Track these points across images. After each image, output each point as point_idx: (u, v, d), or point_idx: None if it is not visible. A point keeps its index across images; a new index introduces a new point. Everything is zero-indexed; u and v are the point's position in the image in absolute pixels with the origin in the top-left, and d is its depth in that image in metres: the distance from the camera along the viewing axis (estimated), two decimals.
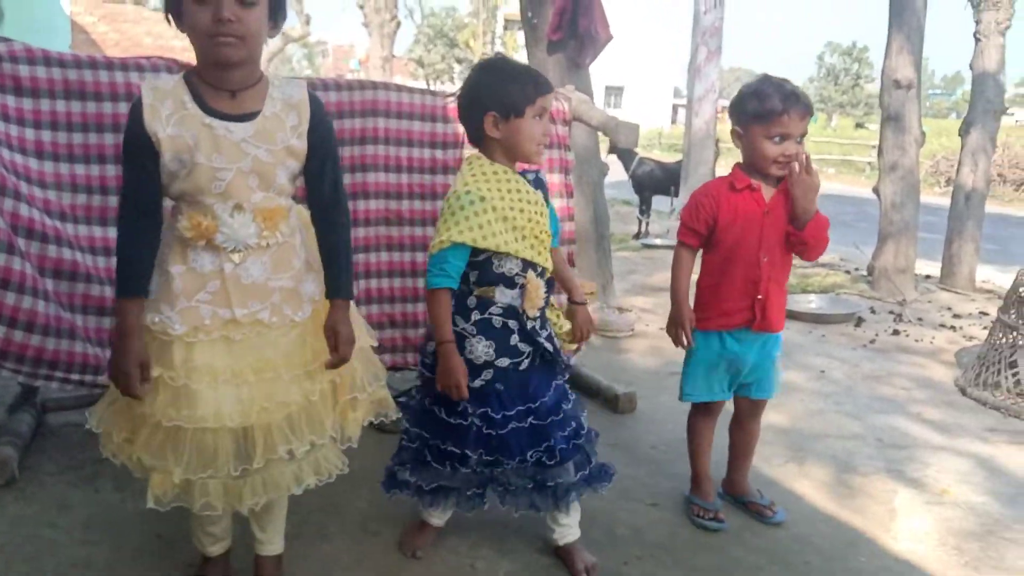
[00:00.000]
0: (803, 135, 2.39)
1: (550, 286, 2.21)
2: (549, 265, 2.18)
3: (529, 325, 2.13)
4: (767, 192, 2.45)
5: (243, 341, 1.76)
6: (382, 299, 3.14)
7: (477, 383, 2.09)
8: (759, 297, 2.45)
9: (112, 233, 2.58)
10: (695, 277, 2.57)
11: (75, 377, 2.55)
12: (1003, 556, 2.52)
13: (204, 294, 1.75)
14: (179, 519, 2.34)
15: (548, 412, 2.15)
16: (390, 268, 3.14)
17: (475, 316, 2.10)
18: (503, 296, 2.10)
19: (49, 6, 14.55)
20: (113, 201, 2.59)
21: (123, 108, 2.56)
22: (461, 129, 3.12)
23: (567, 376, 2.28)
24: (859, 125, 36.45)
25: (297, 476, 1.87)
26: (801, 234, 2.40)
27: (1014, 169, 18.15)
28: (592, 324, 2.33)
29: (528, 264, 2.11)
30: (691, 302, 2.55)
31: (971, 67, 6.54)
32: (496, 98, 2.06)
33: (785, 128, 2.34)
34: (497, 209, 2.04)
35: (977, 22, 6.46)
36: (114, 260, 2.20)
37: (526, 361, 2.13)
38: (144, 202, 1.74)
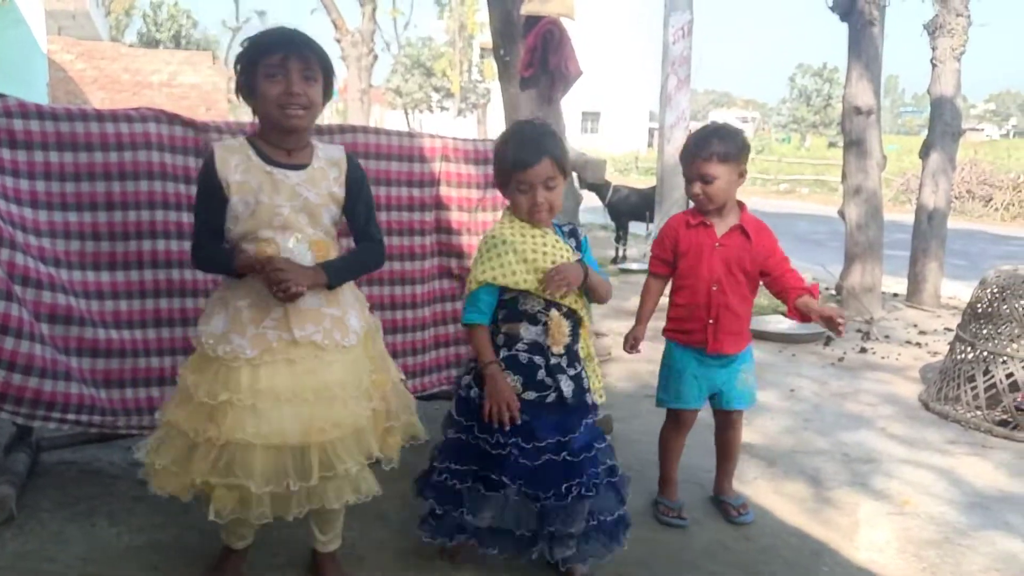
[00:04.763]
0: (710, 179, 2.63)
1: (576, 327, 2.33)
2: (577, 307, 2.31)
3: (554, 361, 2.27)
4: (721, 228, 2.72)
5: (302, 364, 2.03)
6: None
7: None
8: (710, 321, 2.70)
9: (104, 277, 2.74)
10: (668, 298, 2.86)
11: (71, 417, 2.65)
12: (959, 562, 2.67)
13: (269, 320, 2.03)
14: (174, 551, 2.46)
15: (580, 449, 2.27)
16: (370, 302, 3.23)
17: (503, 352, 2.27)
18: (528, 332, 2.27)
19: (27, 45, 14.65)
20: (105, 247, 2.71)
21: (113, 157, 2.69)
22: (437, 168, 3.30)
23: (595, 417, 2.38)
24: (832, 145, 36.94)
25: (338, 492, 2.09)
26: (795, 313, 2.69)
27: (982, 185, 18.56)
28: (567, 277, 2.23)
29: (551, 304, 2.26)
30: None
31: (929, 92, 6.79)
32: (493, 167, 2.36)
33: (694, 170, 2.67)
34: (518, 251, 2.23)
35: (933, 48, 6.72)
36: (107, 303, 2.53)
37: (553, 394, 2.26)
38: (213, 232, 2.08)
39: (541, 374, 2.26)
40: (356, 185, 2.18)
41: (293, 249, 2.05)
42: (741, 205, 2.75)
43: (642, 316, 2.83)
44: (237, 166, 2.03)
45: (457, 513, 2.29)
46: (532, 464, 2.21)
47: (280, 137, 2.07)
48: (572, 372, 2.30)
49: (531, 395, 2.25)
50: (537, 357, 2.26)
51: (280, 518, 2.05)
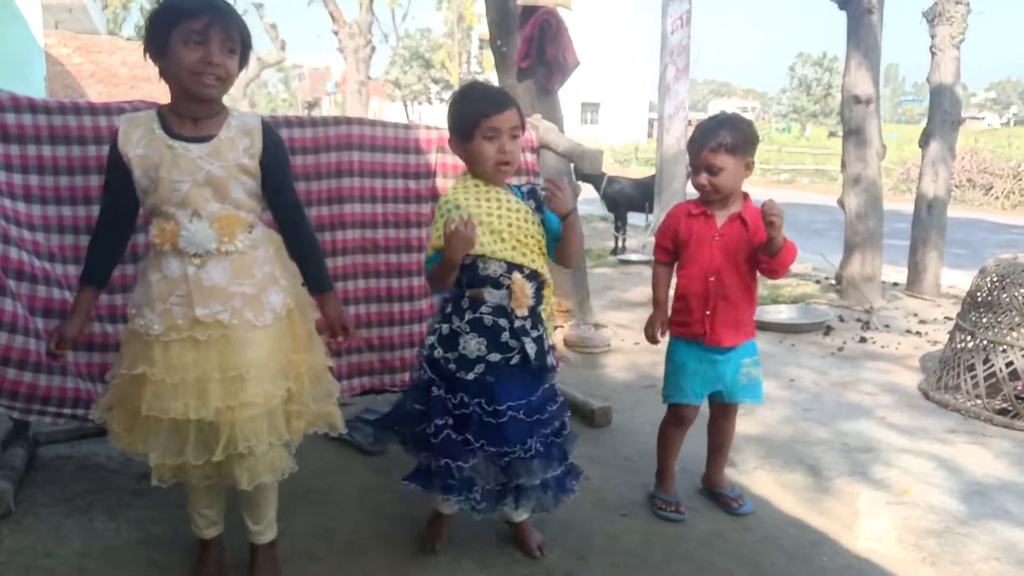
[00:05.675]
0: (716, 170, 2.60)
1: (539, 289, 2.33)
2: (538, 267, 2.30)
3: (518, 324, 2.27)
4: (721, 218, 2.70)
5: (209, 342, 1.98)
6: (359, 324, 3.25)
7: (471, 375, 2.24)
8: (707, 312, 2.69)
9: None
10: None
11: (67, 412, 2.64)
12: (958, 551, 2.66)
13: (175, 297, 1.98)
14: (172, 546, 2.45)
15: (534, 411, 2.29)
16: (367, 294, 3.26)
17: (468, 315, 2.27)
18: (492, 296, 2.26)
19: (23, 39, 14.56)
20: None
21: (106, 151, 2.65)
22: (433, 159, 3.28)
23: (554, 378, 2.41)
24: (832, 134, 36.88)
25: (251, 473, 2.05)
26: (775, 259, 2.60)
27: (983, 174, 18.49)
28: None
29: (512, 266, 2.25)
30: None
31: (928, 80, 6.75)
32: (451, 123, 2.30)
33: (701, 160, 2.63)
34: (473, 215, 2.20)
35: (932, 36, 6.66)
36: (102, 298, 2.43)
37: (517, 356, 2.27)
38: (116, 215, 2.07)
39: (505, 336, 2.26)
40: (273, 156, 2.07)
41: (193, 228, 1.97)
42: (745, 195, 2.72)
43: (659, 301, 2.83)
44: (139, 140, 1.96)
45: (443, 463, 2.25)
46: (496, 422, 2.23)
47: (189, 105, 1.98)
48: (535, 334, 2.31)
49: (495, 357, 2.25)
50: (502, 320, 2.26)
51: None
